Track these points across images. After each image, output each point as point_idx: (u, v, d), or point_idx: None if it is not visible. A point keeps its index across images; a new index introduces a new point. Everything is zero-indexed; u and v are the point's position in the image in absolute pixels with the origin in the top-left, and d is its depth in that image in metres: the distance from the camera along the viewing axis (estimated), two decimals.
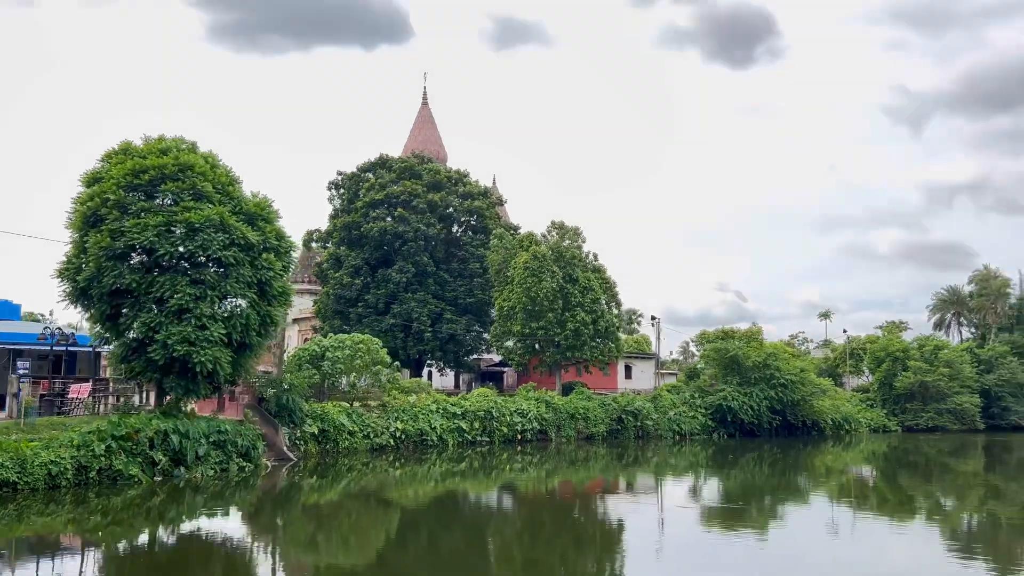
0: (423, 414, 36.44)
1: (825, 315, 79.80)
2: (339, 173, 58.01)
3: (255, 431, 27.75)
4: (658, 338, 66.72)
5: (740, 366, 48.63)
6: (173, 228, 25.75)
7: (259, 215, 28.48)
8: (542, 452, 37.61)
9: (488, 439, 38.84)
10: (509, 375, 58.74)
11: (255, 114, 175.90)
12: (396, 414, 35.41)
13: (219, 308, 26.60)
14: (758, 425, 48.24)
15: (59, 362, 33.62)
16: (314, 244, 58.21)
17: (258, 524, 19.63)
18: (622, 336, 49.55)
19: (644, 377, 61.22)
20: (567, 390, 47.30)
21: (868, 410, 57.41)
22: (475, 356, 58.94)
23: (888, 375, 57.38)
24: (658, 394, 47.65)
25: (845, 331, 67.75)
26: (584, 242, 48.61)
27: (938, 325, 75.60)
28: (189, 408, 29.30)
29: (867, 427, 55.55)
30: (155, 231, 25.44)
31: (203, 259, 26.44)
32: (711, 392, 48.05)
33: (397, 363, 37.60)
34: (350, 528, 19.52)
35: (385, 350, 36.95)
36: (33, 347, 32.29)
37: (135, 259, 26.16)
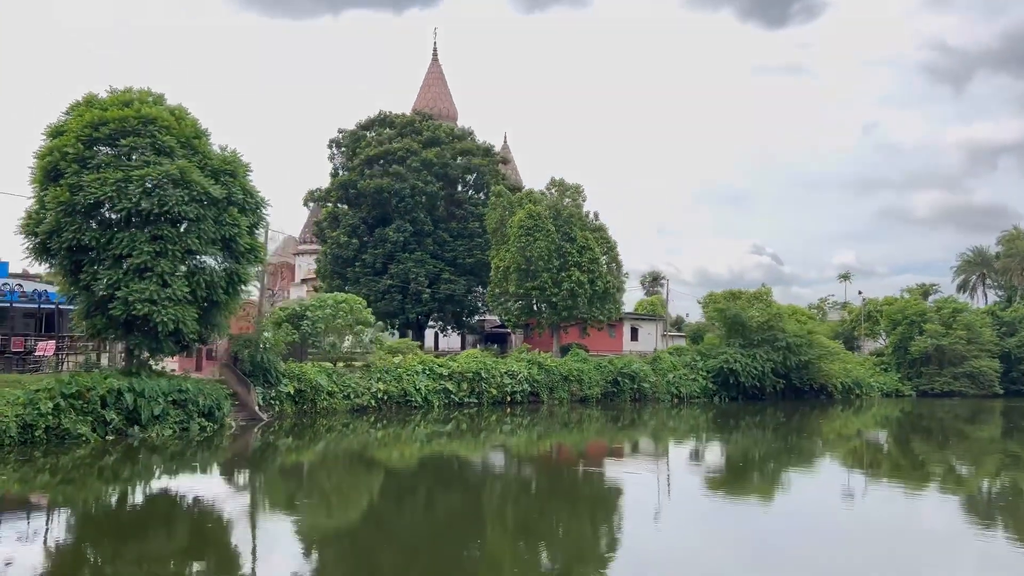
0: (408, 375, 35.77)
1: (845, 277, 77.66)
2: (340, 131, 57.06)
3: (221, 390, 27.26)
4: (666, 299, 65.46)
5: (744, 328, 47.23)
6: (131, 183, 24.99)
7: (225, 170, 27.66)
8: (533, 414, 36.84)
9: (476, 401, 38.13)
10: (518, 337, 57.92)
11: (283, 79, 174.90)
12: (379, 374, 34.77)
13: (183, 265, 26.01)
14: (761, 388, 46.99)
15: (43, 319, 33.46)
16: (313, 204, 57.58)
17: (210, 484, 19.06)
18: (623, 297, 48.20)
19: (651, 339, 60.01)
20: (567, 352, 46.37)
21: (882, 374, 55.79)
22: (479, 318, 58.21)
23: (904, 338, 55.58)
24: (658, 356, 46.52)
25: (860, 292, 65.78)
26: (585, 200, 47.29)
27: (962, 287, 73.20)
28: (161, 367, 29.00)
29: (879, 391, 53.99)
30: (113, 186, 24.74)
31: (163, 215, 25.71)
32: (713, 354, 46.76)
33: (380, 323, 36.83)
34: (316, 490, 18.80)
35: (369, 310, 36.25)
36: (18, 305, 32.16)
37: (94, 215, 25.56)
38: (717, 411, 42.19)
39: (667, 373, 45.23)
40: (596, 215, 47.85)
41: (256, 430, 27.69)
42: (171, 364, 35.52)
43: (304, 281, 68.47)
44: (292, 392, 31.06)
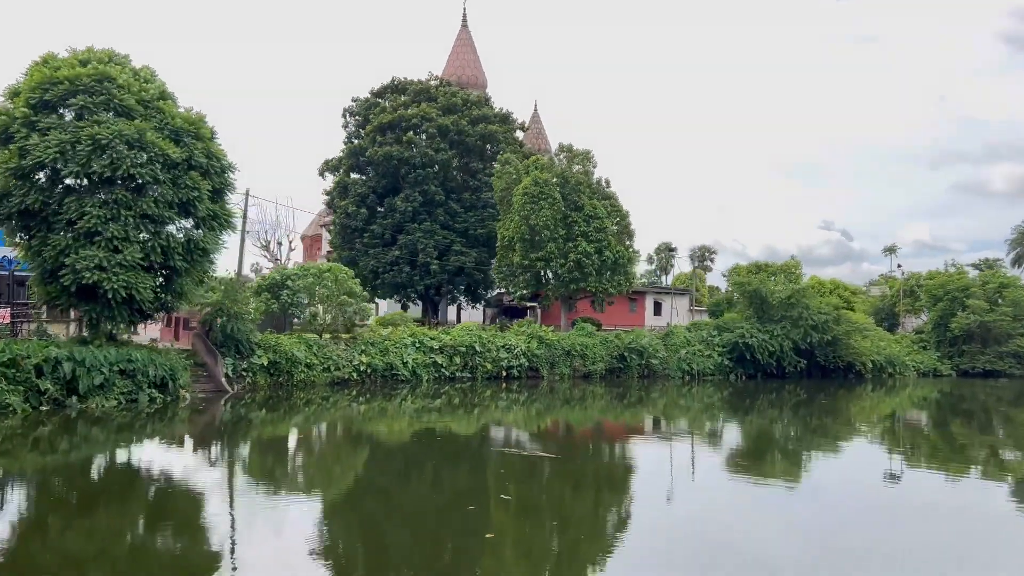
0: (395, 347, 34.47)
1: (890, 250, 73.53)
2: (354, 100, 55.63)
3: (180, 360, 26.33)
4: (667, 270, 62.77)
5: (764, 302, 44.59)
6: (79, 144, 23.99)
7: (188, 131, 26.53)
8: (532, 390, 35.23)
9: (470, 375, 36.68)
10: (537, 311, 56.23)
11: (310, 49, 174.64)
12: (363, 347, 33.54)
13: (143, 231, 25.01)
14: (779, 366, 44.37)
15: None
16: (329, 174, 56.51)
17: (138, 457, 17.98)
18: (638, 269, 45.99)
19: (677, 314, 57.66)
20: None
21: (919, 352, 52.43)
22: (499, 291, 56.64)
23: (944, 315, 52.05)
24: (671, 331, 44.30)
25: (899, 266, 61.95)
26: (595, 167, 45.13)
27: (1016, 261, 68.49)
28: (126, 336, 28.24)
29: (915, 370, 50.74)
30: (58, 148, 23.81)
31: (119, 178, 24.68)
32: (729, 329, 44.29)
33: (365, 293, 35.50)
34: (261, 468, 17.60)
35: (356, 280, 35.01)
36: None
37: (42, 178, 24.70)
38: (732, 389, 39.93)
39: (679, 349, 43.00)
40: (607, 182, 45.68)
41: (222, 402, 26.75)
42: (153, 333, 35.05)
43: (329, 253, 67.91)
44: (266, 364, 30.03)
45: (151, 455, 18.57)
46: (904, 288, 60.27)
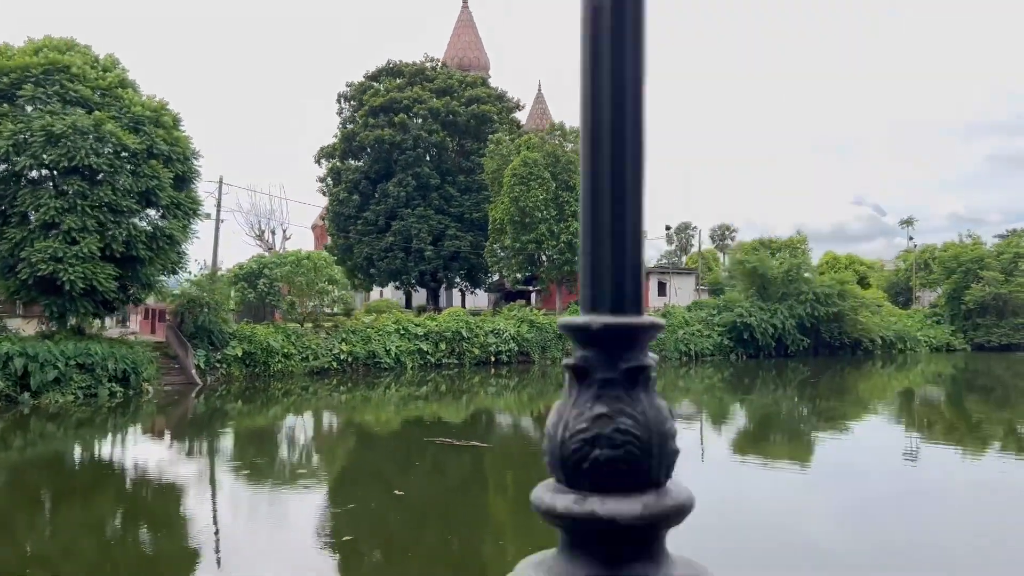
0: (378, 335, 33.75)
1: (907, 222, 71.20)
2: (348, 84, 54.74)
3: (145, 353, 25.81)
4: (699, 250, 61.51)
5: (764, 279, 43.21)
6: (32, 135, 23.44)
7: (148, 119, 25.92)
8: (522, 375, 34.41)
9: (457, 362, 35.88)
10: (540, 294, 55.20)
11: (311, 35, 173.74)
12: (344, 335, 32.86)
13: (95, 221, 24.41)
14: (781, 345, 43.00)
15: None
16: (324, 161, 55.85)
17: (89, 454, 17.45)
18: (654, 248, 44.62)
19: (682, 294, 56.28)
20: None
21: (933, 327, 50.70)
22: (500, 276, 55.76)
23: (958, 288, 50.22)
24: (668, 310, 43.09)
25: (911, 238, 59.95)
26: None
27: None
28: (95, 329, 27.82)
29: (927, 345, 49.07)
30: (10, 140, 23.29)
31: (72, 168, 24.10)
32: (729, 309, 42.98)
33: (347, 281, 34.75)
34: (231, 464, 16.98)
35: (338, 268, 34.32)
36: None
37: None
38: (733, 369, 38.80)
39: (677, 330, 41.81)
40: None
41: (193, 395, 26.23)
42: (133, 326, 34.70)
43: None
44: (240, 355, 29.45)
45: (96, 451, 18.02)
46: (918, 261, 58.36)
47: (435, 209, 48.40)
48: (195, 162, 27.44)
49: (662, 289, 56.23)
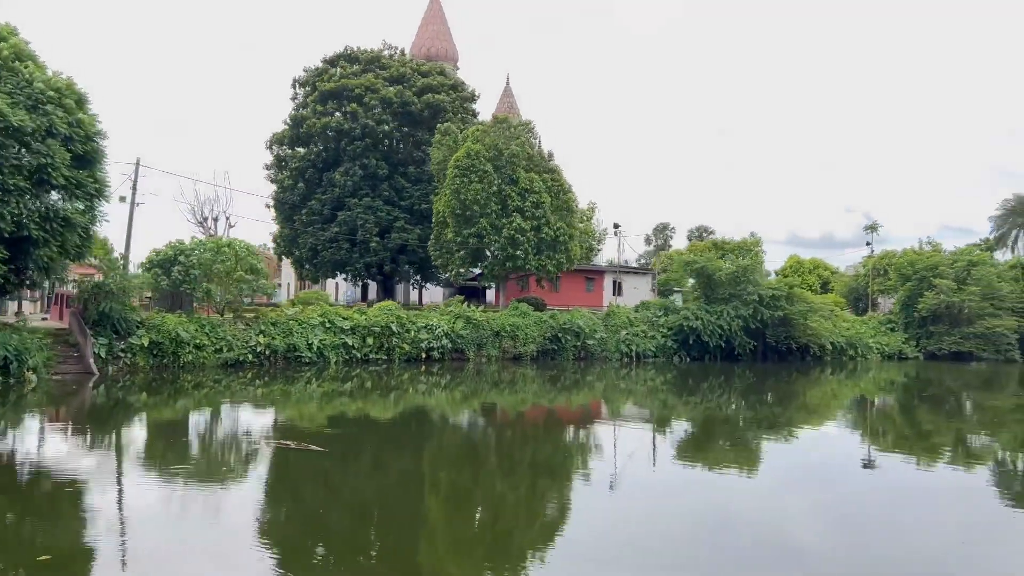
0: (301, 328, 32.56)
1: (872, 227, 70.53)
2: (305, 69, 53.36)
3: (32, 340, 24.49)
4: (619, 249, 60.47)
5: (710, 281, 42.34)
6: None
7: (49, 99, 24.63)
8: (456, 373, 33.25)
9: (386, 357, 34.76)
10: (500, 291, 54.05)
11: (282, 20, 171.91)
12: (263, 327, 31.64)
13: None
14: (728, 348, 42.20)
15: None
16: (275, 147, 54.45)
17: None
18: (596, 246, 43.68)
19: (638, 294, 55.45)
20: (532, 305, 42.46)
21: (886, 334, 50.10)
22: (459, 270, 54.60)
23: (913, 295, 49.64)
24: (612, 310, 42.15)
25: (869, 244, 59.27)
26: (538, 139, 42.87)
27: (1001, 240, 65.84)
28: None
29: (879, 353, 48.43)
30: None
31: None
32: (675, 310, 42.13)
33: (266, 271, 33.48)
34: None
35: (259, 256, 33.07)
36: None
37: None
38: (677, 372, 37.86)
39: (620, 329, 40.89)
40: (550, 155, 43.43)
41: (90, 385, 24.93)
42: (44, 313, 33.30)
43: None
44: (147, 344, 28.17)
45: None
46: (877, 267, 57.74)
47: (384, 200, 47.20)
48: (100, 142, 26.12)
49: (618, 288, 55.35)
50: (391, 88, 48.49)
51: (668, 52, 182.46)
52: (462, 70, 77.39)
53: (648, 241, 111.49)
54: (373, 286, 53.89)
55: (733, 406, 26.26)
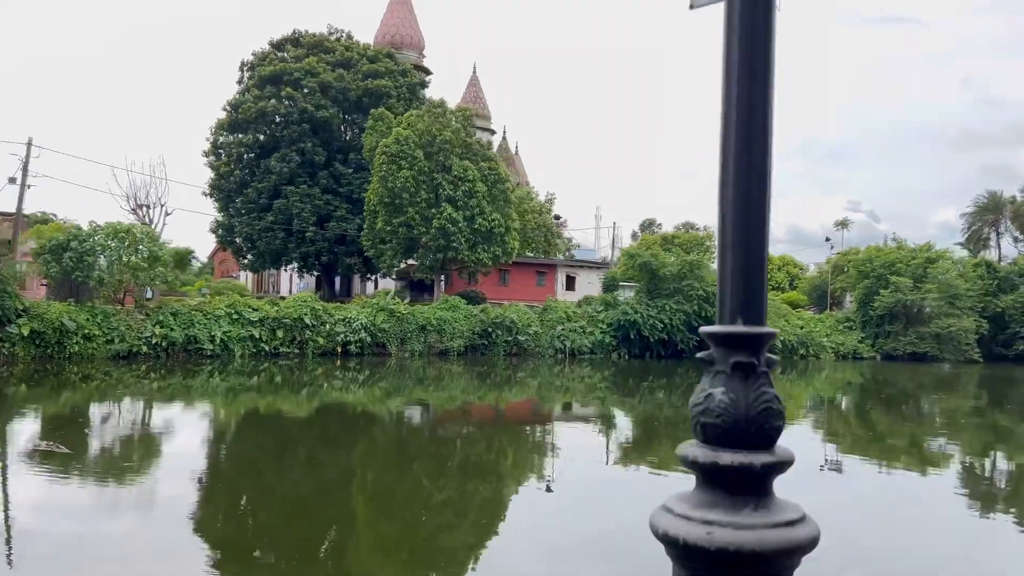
0: (204, 319, 30.98)
1: (842, 224, 69.17)
2: (253, 54, 51.69)
3: None
4: (613, 244, 59.11)
5: (655, 276, 40.78)
6: None
7: None
8: (377, 368, 31.69)
9: (298, 351, 33.20)
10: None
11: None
12: (161, 317, 30.06)
13: None
14: (670, 344, 40.67)
15: None
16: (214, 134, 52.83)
17: None
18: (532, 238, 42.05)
19: (593, 288, 53.84)
20: (470, 299, 40.96)
21: (843, 333, 48.60)
22: (408, 262, 53.03)
23: (869, 293, 48.14)
24: (548, 304, 40.58)
25: (828, 239, 57.71)
26: (473, 125, 41.28)
27: (972, 239, 64.34)
28: None
29: (833, 352, 46.94)
30: None
31: None
32: (614, 305, 40.59)
33: (167, 259, 31.81)
34: None
35: (164, 243, 31.51)
36: None
37: None
38: (615, 369, 36.36)
39: (556, 324, 39.34)
40: (489, 144, 41.83)
41: None
42: None
43: None
44: (27, 334, 26.59)
45: None
46: (839, 264, 56.22)
47: (322, 188, 45.57)
48: None
49: (571, 283, 53.78)
50: (331, 72, 46.89)
51: (662, 38, 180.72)
52: (429, 58, 75.87)
53: (635, 236, 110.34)
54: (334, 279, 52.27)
55: (640, 405, 24.73)
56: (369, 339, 34.48)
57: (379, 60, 49.60)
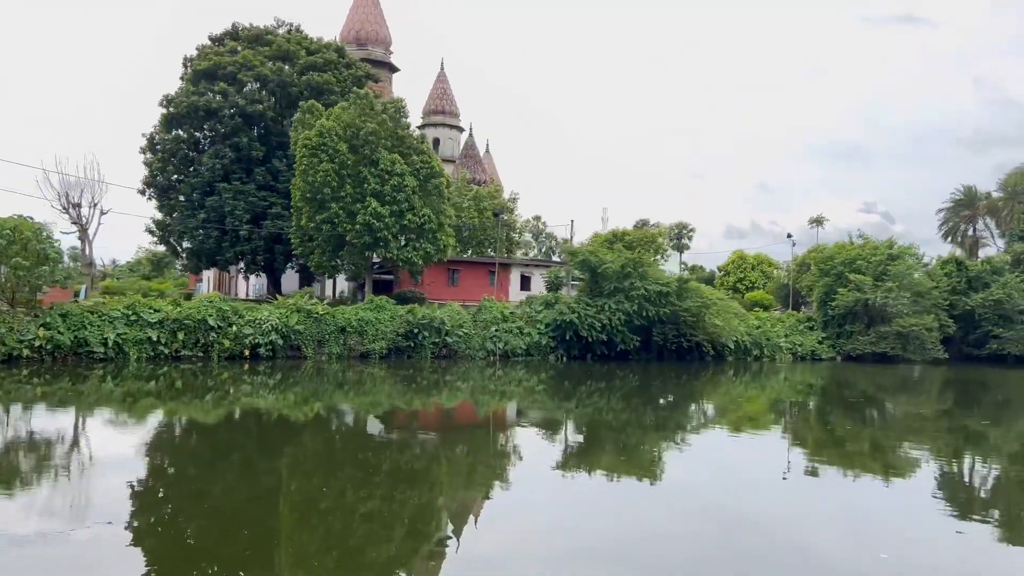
0: (97, 321, 29.29)
1: (817, 221, 67.11)
2: (197, 48, 50.03)
3: None
4: (571, 242, 57.20)
5: (596, 274, 38.93)
6: None
7: None
8: (291, 372, 29.92)
9: (202, 354, 31.47)
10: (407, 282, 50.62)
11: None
12: (48, 319, 28.38)
13: None
14: (611, 344, 38.80)
15: None
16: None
17: None
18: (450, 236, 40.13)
19: (562, 288, 51.97)
20: (403, 299, 39.24)
21: (802, 333, 46.65)
22: (321, 260, 51.03)
23: (829, 291, 46.20)
24: (484, 303, 38.76)
25: (790, 235, 55.68)
26: (407, 117, 39.50)
27: (949, 235, 62.28)
28: None
29: (790, 353, 44.99)
30: None
31: None
32: (552, 304, 38.76)
33: (57, 255, 30.11)
34: None
35: (56, 240, 29.86)
36: None
37: None
38: (549, 371, 34.49)
39: (489, 325, 37.54)
40: (422, 137, 40.07)
41: None
42: None
43: None
44: None
45: None
46: (804, 263, 54.24)
47: (258, 185, 43.89)
48: None
49: (526, 283, 51.97)
50: (268, 66, 45.27)
51: (652, 36, 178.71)
52: (396, 54, 74.30)
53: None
54: (293, 278, 50.34)
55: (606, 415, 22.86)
56: (281, 341, 32.73)
57: (320, 52, 47.92)
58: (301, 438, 17.28)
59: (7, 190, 41.66)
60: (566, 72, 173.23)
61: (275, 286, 48.81)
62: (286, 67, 45.94)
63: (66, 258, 39.00)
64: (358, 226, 36.03)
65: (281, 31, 50.29)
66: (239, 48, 46.98)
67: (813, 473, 14.52)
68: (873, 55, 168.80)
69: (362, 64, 50.49)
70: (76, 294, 40.02)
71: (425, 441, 17.39)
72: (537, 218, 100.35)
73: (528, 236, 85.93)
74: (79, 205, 45.73)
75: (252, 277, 57.55)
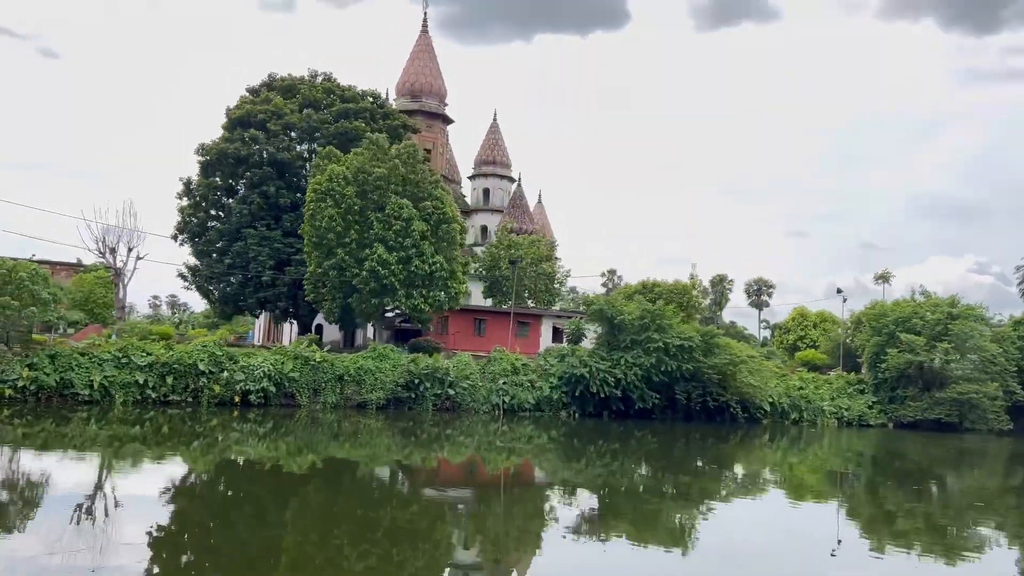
0: (85, 362, 29.17)
1: (883, 277, 62.64)
2: (242, 97, 51.27)
3: None
4: (720, 304, 54.94)
5: (614, 326, 36.82)
6: None
7: None
8: (283, 420, 29.14)
9: (192, 400, 30.90)
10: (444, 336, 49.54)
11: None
12: (35, 359, 28.40)
13: None
14: (627, 403, 36.40)
15: None
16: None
17: None
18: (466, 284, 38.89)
19: (584, 342, 49.91)
20: (416, 348, 38.18)
21: (851, 396, 42.98)
22: (391, 311, 50.68)
23: (880, 352, 42.55)
24: (494, 356, 37.11)
25: (840, 291, 51.85)
26: (421, 162, 38.83)
27: None
28: None
29: (834, 417, 41.39)
30: None
31: None
32: (563, 357, 36.77)
33: (49, 297, 30.21)
34: None
35: (49, 283, 30.04)
36: None
37: None
38: (561, 429, 32.46)
39: (497, 377, 35.85)
40: (439, 180, 39.28)
41: None
42: None
43: None
44: None
45: None
46: (857, 320, 50.44)
47: (284, 231, 43.93)
48: None
49: (557, 335, 50.01)
50: (297, 114, 45.75)
51: (702, 90, 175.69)
52: (451, 106, 74.73)
53: (706, 293, 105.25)
54: (331, 327, 50.14)
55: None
56: (274, 389, 31.91)
57: (354, 100, 48.20)
58: (297, 492, 16.61)
59: (40, 238, 42.64)
60: (661, 122, 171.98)
61: (311, 332, 48.40)
62: (315, 114, 46.28)
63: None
64: (364, 272, 35.25)
65: (319, 80, 50.94)
66: (271, 97, 47.74)
67: None
68: (979, 112, 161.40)
69: (400, 114, 50.53)
70: (109, 336, 40.59)
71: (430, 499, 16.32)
72: (612, 271, 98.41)
73: (583, 289, 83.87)
74: (115, 250, 46.98)
75: (292, 324, 57.70)
